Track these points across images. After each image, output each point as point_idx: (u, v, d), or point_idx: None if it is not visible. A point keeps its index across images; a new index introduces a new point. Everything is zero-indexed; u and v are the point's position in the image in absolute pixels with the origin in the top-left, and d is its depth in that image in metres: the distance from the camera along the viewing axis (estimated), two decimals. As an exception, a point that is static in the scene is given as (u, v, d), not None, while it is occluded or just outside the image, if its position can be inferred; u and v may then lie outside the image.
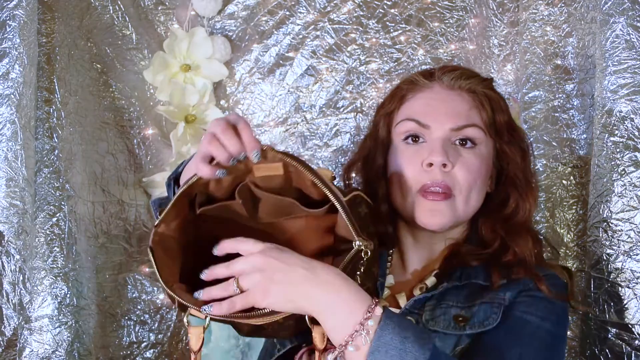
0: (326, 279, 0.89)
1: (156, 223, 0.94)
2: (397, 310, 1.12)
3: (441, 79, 1.18)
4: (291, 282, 0.88)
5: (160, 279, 0.91)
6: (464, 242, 1.19)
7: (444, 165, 1.10)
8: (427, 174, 1.11)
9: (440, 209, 1.11)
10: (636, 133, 1.22)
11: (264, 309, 0.89)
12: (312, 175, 0.95)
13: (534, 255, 1.14)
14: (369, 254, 0.95)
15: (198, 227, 1.00)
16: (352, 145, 1.74)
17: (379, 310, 0.87)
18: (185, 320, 0.90)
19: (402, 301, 1.14)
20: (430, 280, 1.14)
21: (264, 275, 0.88)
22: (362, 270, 0.96)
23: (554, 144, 1.53)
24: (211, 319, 0.92)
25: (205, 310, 0.89)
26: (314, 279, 0.88)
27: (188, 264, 0.97)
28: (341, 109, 1.77)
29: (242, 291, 0.89)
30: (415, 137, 1.15)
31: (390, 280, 1.18)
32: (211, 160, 0.94)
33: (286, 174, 0.98)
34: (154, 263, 0.91)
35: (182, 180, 1.03)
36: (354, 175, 1.30)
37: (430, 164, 1.10)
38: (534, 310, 1.06)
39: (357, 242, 0.93)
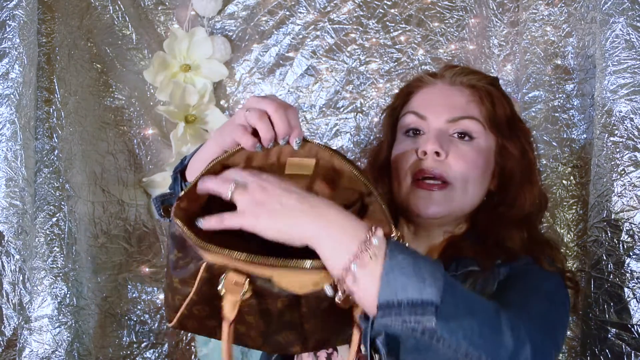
0: (319, 208, 0.84)
1: (180, 195, 0.89)
2: None
3: (443, 76, 1.22)
4: (281, 210, 0.83)
5: (193, 238, 0.84)
6: (461, 236, 1.19)
7: (437, 154, 1.11)
8: (421, 162, 1.13)
9: (435, 197, 1.12)
10: (636, 133, 1.21)
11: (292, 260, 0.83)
12: (351, 167, 0.94)
13: (526, 253, 1.14)
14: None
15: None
16: (352, 145, 1.75)
17: (380, 232, 0.82)
18: (220, 287, 0.83)
19: None
20: None
21: (254, 199, 0.84)
22: None
23: (554, 144, 1.52)
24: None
25: (198, 223, 0.85)
26: (306, 209, 0.83)
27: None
28: (341, 109, 1.77)
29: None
30: (416, 131, 1.17)
31: None
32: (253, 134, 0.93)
33: (313, 174, 0.97)
34: (182, 228, 0.85)
35: (191, 171, 1.02)
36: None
37: (425, 152, 1.12)
38: (531, 274, 1.07)
39: (398, 234, 0.88)
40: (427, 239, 1.20)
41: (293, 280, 0.84)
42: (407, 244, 0.86)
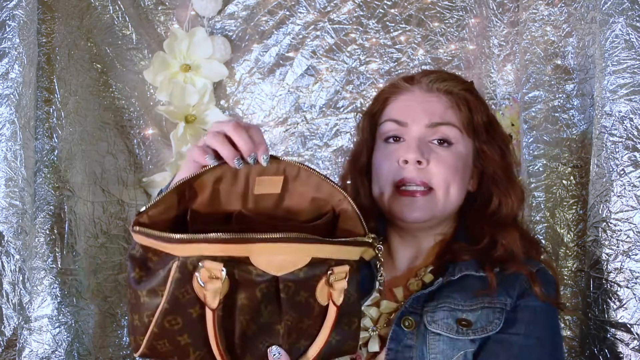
0: None
1: (140, 211, 0.87)
2: (395, 305, 1.15)
3: (420, 82, 1.23)
4: None
5: (164, 235, 0.84)
6: (452, 238, 1.22)
7: (419, 162, 1.14)
8: (403, 171, 1.16)
9: (419, 203, 1.15)
10: (635, 133, 1.21)
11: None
12: (319, 177, 0.94)
13: (521, 248, 1.16)
14: (378, 252, 0.95)
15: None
16: (352, 145, 1.74)
17: None
18: (197, 281, 0.84)
19: (399, 293, 1.17)
20: (427, 277, 1.16)
21: None
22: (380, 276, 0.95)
23: (554, 144, 1.52)
24: None
25: None
26: None
27: None
28: (341, 109, 1.77)
29: None
30: (396, 138, 1.20)
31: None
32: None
33: (282, 191, 0.95)
34: (148, 231, 0.84)
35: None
36: (348, 182, 1.33)
37: (406, 161, 1.15)
38: (533, 328, 1.09)
39: (371, 236, 0.93)
40: (415, 242, 1.23)
41: (271, 260, 0.87)
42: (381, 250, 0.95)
